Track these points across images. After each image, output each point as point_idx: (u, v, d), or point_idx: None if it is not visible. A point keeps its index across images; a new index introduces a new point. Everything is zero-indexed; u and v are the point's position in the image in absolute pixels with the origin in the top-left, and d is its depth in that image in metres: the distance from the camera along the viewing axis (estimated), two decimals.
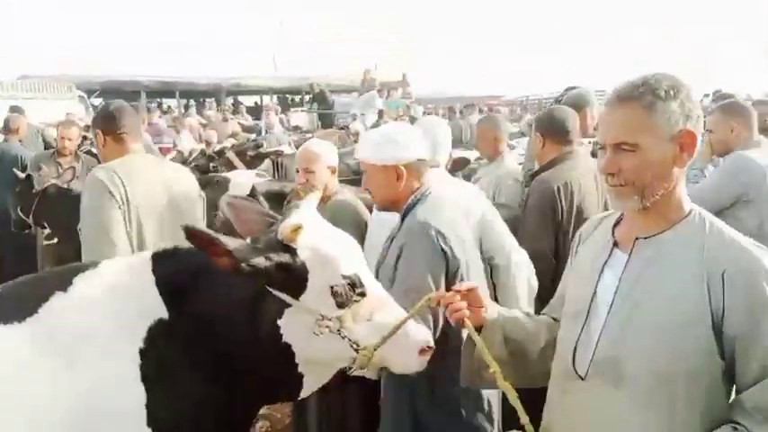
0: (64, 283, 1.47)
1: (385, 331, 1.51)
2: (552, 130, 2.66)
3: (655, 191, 1.27)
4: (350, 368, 1.56)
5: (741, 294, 1.19)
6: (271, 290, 1.49)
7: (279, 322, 1.50)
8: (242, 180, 4.43)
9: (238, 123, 14.85)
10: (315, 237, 1.53)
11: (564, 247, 2.44)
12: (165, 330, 1.46)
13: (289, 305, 1.49)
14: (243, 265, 1.39)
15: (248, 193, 4.24)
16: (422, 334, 1.61)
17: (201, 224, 2.58)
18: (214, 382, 1.50)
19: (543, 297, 2.39)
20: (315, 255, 1.52)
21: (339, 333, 1.49)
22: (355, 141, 8.47)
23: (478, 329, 1.48)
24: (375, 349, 1.50)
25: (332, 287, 1.51)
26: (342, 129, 10.50)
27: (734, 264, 1.21)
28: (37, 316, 1.40)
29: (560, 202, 2.47)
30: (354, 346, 1.50)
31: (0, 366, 1.35)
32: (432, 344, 1.61)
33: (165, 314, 1.47)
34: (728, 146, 3.10)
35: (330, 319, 1.49)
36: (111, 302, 1.46)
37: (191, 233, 1.37)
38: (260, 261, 1.41)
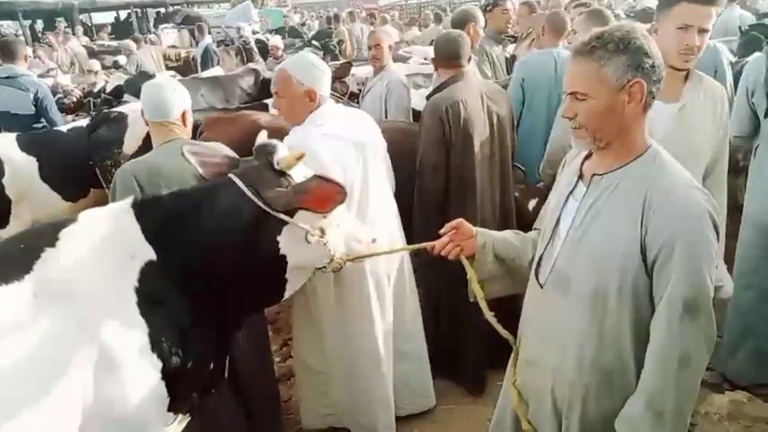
0: (51, 239, 1.56)
1: (349, 235, 1.94)
2: (442, 55, 2.90)
3: (605, 134, 1.45)
4: (324, 268, 1.92)
5: (663, 228, 1.37)
6: (272, 212, 1.73)
7: (278, 238, 1.77)
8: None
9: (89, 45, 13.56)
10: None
11: (453, 161, 2.79)
12: (156, 269, 1.63)
13: (286, 222, 1.76)
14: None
15: None
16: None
17: None
18: (207, 303, 1.71)
19: (441, 206, 2.81)
20: (304, 176, 1.79)
21: (323, 239, 1.80)
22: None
23: (473, 256, 1.78)
24: (347, 261, 1.89)
25: None
26: (224, 46, 9.95)
27: (663, 202, 1.39)
28: (34, 273, 1.49)
29: (448, 120, 2.72)
30: (331, 252, 1.85)
31: (11, 324, 1.40)
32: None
33: (153, 256, 1.63)
34: None
35: (317, 229, 1.79)
36: (101, 251, 1.58)
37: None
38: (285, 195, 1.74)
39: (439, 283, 2.93)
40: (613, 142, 1.47)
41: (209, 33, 11.90)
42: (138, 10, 21.02)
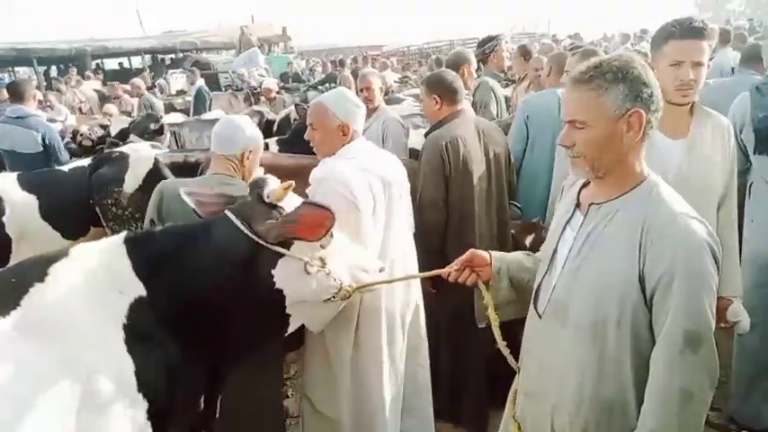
0: (41, 274, 1.55)
1: (354, 265, 1.93)
2: (446, 92, 2.95)
3: (603, 164, 1.44)
4: (332, 298, 1.87)
5: (661, 258, 1.34)
6: (266, 245, 1.71)
7: (273, 272, 1.75)
8: (143, 154, 4.36)
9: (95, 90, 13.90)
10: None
11: (452, 196, 2.80)
12: (145, 306, 1.61)
13: (282, 255, 1.74)
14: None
15: (151, 165, 4.27)
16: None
17: None
18: (198, 340, 1.68)
19: (438, 242, 2.80)
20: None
21: (325, 269, 1.78)
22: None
23: (487, 281, 1.75)
24: (356, 289, 1.88)
25: None
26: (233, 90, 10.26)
27: (662, 232, 1.36)
28: (20, 308, 1.48)
29: (448, 156, 2.75)
30: (338, 281, 1.82)
31: None
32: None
33: (143, 292, 1.62)
34: None
35: (316, 259, 1.78)
36: (90, 287, 1.57)
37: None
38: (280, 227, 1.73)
39: (438, 320, 2.88)
40: (611, 171, 1.45)
41: (217, 78, 12.26)
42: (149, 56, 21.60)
